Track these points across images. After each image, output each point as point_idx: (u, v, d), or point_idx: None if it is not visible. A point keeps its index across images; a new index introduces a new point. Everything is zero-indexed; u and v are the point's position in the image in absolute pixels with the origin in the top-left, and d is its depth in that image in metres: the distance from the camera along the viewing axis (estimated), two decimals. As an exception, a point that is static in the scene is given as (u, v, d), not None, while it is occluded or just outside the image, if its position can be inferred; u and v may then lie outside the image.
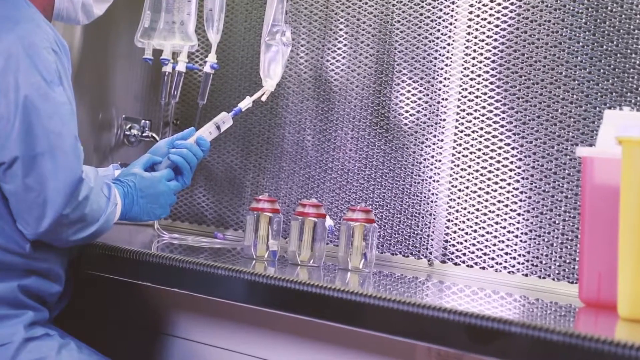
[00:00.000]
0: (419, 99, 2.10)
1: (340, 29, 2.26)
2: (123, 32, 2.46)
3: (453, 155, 2.02)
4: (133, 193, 1.82)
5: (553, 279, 1.85)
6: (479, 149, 1.97)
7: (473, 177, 1.98)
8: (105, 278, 1.89)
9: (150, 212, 1.84)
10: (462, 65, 2.01)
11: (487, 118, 1.96)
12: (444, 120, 2.04)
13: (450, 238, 2.01)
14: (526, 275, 1.89)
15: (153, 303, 1.98)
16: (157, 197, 1.85)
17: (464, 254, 1.99)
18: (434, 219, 2.04)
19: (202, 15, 2.26)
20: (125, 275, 1.85)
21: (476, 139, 1.98)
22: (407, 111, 2.12)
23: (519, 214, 1.91)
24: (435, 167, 2.05)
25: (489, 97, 1.95)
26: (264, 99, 2.10)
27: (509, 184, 1.93)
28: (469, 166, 1.99)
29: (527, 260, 1.89)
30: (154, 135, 2.49)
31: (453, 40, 2.04)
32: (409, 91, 2.12)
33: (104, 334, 2.01)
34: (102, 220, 1.72)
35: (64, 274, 1.80)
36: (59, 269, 1.78)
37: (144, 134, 2.51)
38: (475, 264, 1.97)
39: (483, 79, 1.97)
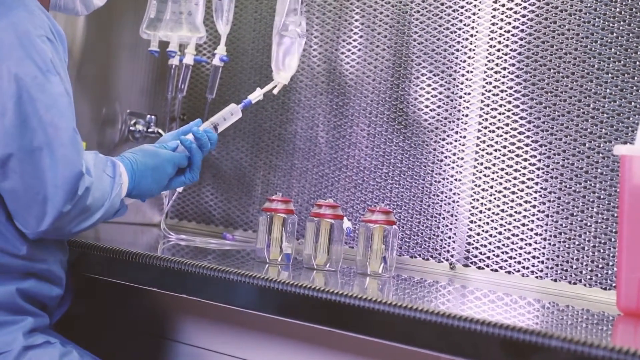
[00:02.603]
0: (440, 93, 2.00)
1: (356, 20, 2.17)
2: (127, 23, 2.37)
3: (476, 152, 1.91)
4: (140, 161, 1.71)
5: (585, 285, 1.75)
6: (504, 146, 1.87)
7: (498, 176, 1.87)
8: (108, 282, 1.80)
9: (159, 182, 1.74)
10: (486, 57, 1.91)
11: (513, 113, 1.85)
12: (467, 115, 1.94)
13: (473, 240, 1.90)
14: (555, 280, 1.79)
15: (158, 308, 1.89)
16: (161, 168, 1.74)
17: (488, 257, 1.88)
18: (456, 220, 1.94)
19: (211, 5, 2.17)
20: (130, 279, 1.76)
21: (501, 135, 1.87)
22: (427, 106, 2.02)
23: (547, 215, 1.80)
24: (457, 165, 1.95)
25: (515, 91, 1.85)
26: (275, 92, 2.00)
27: (536, 184, 1.82)
28: (494, 164, 1.88)
29: (557, 265, 1.79)
30: (160, 130, 2.40)
31: (476, 32, 1.94)
32: (429, 85, 2.02)
33: (107, 341, 1.94)
34: (107, 205, 1.62)
35: (64, 276, 1.72)
36: (58, 271, 1.68)
37: (149, 130, 2.41)
38: (500, 267, 1.87)
39: (508, 72, 1.86)
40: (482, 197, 1.90)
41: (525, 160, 1.84)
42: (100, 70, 2.39)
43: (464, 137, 1.93)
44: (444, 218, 1.96)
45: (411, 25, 2.07)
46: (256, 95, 1.92)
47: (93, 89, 2.36)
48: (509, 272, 1.84)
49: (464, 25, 1.96)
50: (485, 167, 1.90)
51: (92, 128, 2.34)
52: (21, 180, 1.54)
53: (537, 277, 1.80)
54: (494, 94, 1.88)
